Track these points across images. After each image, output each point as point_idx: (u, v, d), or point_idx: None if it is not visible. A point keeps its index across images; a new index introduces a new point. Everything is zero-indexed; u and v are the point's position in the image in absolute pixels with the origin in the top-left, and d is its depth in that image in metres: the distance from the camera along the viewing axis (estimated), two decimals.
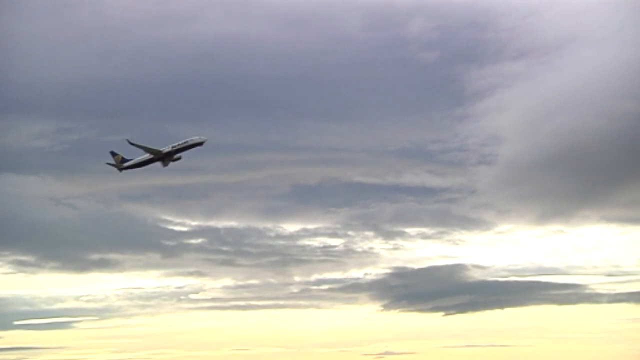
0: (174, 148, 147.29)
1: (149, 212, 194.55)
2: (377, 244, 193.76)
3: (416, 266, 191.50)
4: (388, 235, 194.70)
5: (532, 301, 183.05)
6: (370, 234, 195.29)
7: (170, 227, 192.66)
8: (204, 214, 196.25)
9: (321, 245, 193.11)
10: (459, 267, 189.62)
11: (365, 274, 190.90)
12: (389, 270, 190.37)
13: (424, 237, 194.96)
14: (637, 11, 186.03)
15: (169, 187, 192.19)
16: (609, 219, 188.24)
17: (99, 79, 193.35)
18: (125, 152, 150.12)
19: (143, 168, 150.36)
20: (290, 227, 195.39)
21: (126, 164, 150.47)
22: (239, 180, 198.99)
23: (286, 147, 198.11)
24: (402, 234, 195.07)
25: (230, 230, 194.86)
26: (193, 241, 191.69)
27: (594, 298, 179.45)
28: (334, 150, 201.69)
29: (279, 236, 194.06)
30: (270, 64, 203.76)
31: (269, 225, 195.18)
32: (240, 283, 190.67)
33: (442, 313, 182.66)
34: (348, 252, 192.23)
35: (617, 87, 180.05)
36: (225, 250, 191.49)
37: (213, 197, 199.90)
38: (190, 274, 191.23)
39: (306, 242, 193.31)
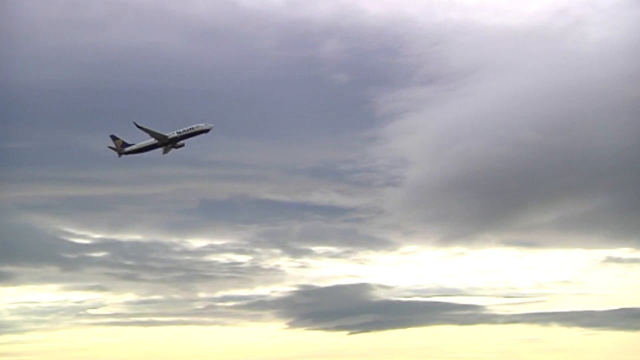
0: (180, 134, 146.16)
1: (49, 224, 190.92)
2: (284, 262, 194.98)
3: (322, 285, 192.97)
4: (295, 253, 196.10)
5: (433, 321, 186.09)
6: (277, 251, 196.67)
7: (72, 239, 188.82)
8: (108, 227, 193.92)
9: (228, 261, 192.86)
10: (364, 287, 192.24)
11: (272, 291, 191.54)
12: (295, 288, 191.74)
13: (331, 255, 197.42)
14: (539, 44, 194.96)
15: (73, 198, 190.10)
16: (508, 243, 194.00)
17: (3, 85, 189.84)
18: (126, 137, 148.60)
19: (144, 155, 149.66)
20: (197, 242, 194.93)
21: (127, 149, 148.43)
22: (146, 193, 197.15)
23: (196, 161, 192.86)
24: (309, 252, 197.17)
25: (134, 244, 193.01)
26: (95, 254, 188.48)
27: (492, 319, 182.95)
28: (245, 167, 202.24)
29: (185, 251, 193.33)
30: (183, 76, 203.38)
31: (175, 240, 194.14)
32: (143, 298, 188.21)
33: (347, 332, 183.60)
34: (255, 269, 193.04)
35: (519, 116, 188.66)
36: (129, 264, 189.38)
37: (118, 210, 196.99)
38: (91, 288, 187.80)
39: (213, 258, 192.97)
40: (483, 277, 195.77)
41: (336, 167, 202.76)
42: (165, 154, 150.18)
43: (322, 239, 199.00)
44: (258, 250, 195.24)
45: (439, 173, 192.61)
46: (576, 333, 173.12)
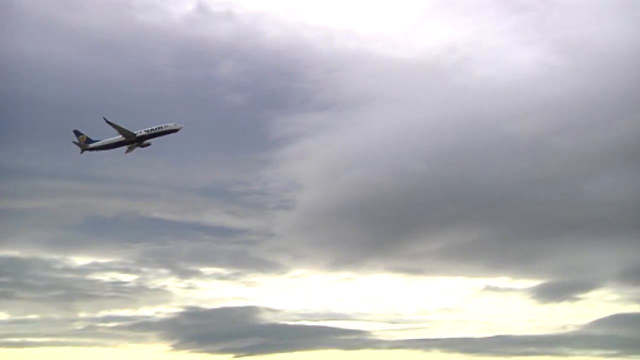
0: (148, 132, 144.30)
1: None
2: (171, 282, 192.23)
3: (209, 306, 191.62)
4: (183, 274, 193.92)
5: (320, 345, 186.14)
6: (164, 271, 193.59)
7: None
8: None
9: (112, 280, 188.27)
10: (251, 309, 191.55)
11: (157, 312, 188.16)
12: (181, 310, 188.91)
13: (220, 277, 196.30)
14: (430, 78, 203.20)
15: None
16: (394, 269, 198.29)
17: None
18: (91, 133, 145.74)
19: (108, 151, 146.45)
20: (80, 260, 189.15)
21: (91, 145, 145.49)
22: (27, 207, 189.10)
23: (83, 176, 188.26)
24: (197, 273, 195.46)
25: (11, 260, 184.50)
26: None
27: (376, 344, 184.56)
28: (135, 184, 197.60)
29: (67, 269, 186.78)
30: (72, 89, 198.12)
31: (56, 256, 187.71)
32: (17, 318, 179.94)
33: (232, 355, 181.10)
34: (140, 289, 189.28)
35: (408, 146, 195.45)
36: (4, 281, 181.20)
37: None
38: None
39: (96, 276, 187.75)
40: (369, 303, 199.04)
41: (229, 188, 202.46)
42: (129, 152, 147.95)
43: (211, 260, 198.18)
44: (144, 269, 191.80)
45: (331, 199, 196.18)
46: (456, 359, 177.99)
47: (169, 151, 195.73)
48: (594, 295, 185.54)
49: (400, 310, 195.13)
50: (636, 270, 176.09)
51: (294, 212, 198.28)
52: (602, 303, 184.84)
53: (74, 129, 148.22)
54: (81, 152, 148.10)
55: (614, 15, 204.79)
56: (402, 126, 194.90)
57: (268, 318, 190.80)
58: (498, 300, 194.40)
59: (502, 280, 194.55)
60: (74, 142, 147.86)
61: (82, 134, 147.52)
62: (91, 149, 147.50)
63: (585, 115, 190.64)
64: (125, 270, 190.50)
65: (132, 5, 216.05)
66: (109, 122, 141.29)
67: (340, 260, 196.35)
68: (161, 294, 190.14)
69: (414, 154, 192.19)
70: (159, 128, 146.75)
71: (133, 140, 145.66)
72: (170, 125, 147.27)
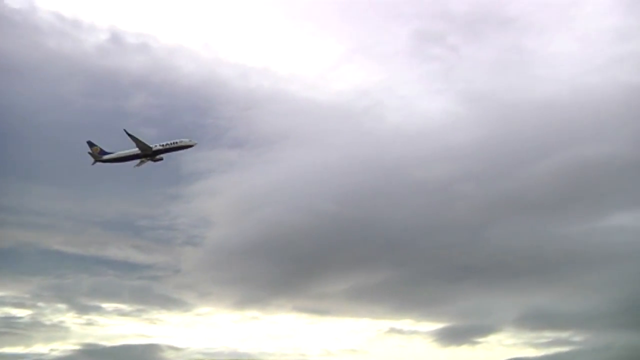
0: (163, 147, 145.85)
1: None
2: (69, 318, 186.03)
3: (109, 344, 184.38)
4: (82, 309, 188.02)
5: None
6: (62, 306, 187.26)
7: None
8: None
9: (4, 315, 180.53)
10: (153, 348, 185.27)
11: (52, 349, 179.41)
12: (78, 347, 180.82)
13: (121, 313, 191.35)
14: (342, 120, 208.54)
15: None
16: (301, 309, 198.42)
17: None
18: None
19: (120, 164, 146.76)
20: None
21: (105, 157, 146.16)
22: None
23: None
24: (97, 309, 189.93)
25: None
26: None
27: None
28: (36, 214, 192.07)
29: None
30: None
31: None
32: None
33: None
34: (35, 324, 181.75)
35: (319, 187, 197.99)
36: None
37: None
38: None
39: None
40: (275, 343, 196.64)
41: (135, 222, 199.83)
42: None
43: (113, 295, 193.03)
44: (40, 304, 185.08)
45: (239, 236, 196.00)
46: None
47: (72, 181, 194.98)
48: (492, 339, 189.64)
49: (305, 350, 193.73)
50: (532, 316, 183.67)
51: (202, 248, 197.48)
52: (500, 347, 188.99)
53: (87, 140, 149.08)
54: (93, 163, 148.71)
55: (516, 71, 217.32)
56: (314, 167, 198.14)
57: (170, 357, 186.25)
58: (402, 342, 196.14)
59: (407, 323, 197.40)
60: (89, 153, 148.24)
61: (96, 146, 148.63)
62: (104, 161, 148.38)
63: (488, 163, 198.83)
64: (20, 305, 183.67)
65: (44, 32, 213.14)
66: (128, 134, 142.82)
67: (247, 299, 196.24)
68: (57, 330, 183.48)
69: (324, 195, 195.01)
70: (174, 143, 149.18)
71: (147, 154, 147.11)
72: (185, 140, 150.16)
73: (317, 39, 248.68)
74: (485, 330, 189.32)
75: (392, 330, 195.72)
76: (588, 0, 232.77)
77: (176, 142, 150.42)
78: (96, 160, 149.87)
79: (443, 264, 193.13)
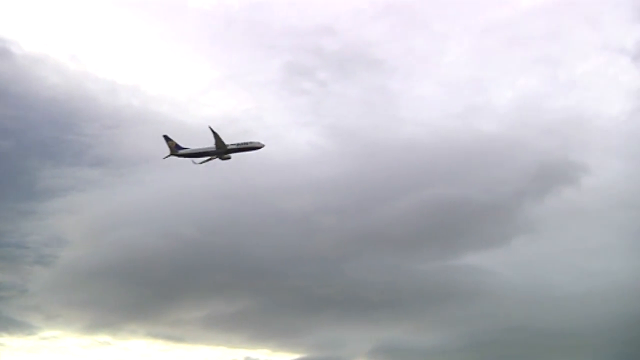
0: (236, 146, 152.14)
1: None
2: None
3: None
4: None
5: None
6: None
7: None
8: None
9: None
10: None
11: None
12: None
13: None
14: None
15: None
16: (155, 335, 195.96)
17: None
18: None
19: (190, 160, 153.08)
20: None
21: (181, 152, 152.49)
22: None
23: None
24: None
25: None
26: None
27: None
28: None
29: None
30: None
31: None
32: None
33: None
34: None
35: (181, 212, 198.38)
36: None
37: None
38: None
39: None
40: None
41: None
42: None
43: None
44: None
45: (95, 257, 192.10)
46: None
47: None
48: None
49: None
50: (385, 348, 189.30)
51: (53, 268, 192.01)
52: None
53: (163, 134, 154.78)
54: (166, 156, 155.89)
55: (381, 111, 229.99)
56: (177, 191, 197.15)
57: None
58: None
59: (263, 353, 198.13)
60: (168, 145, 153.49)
61: (171, 140, 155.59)
62: (179, 155, 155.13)
63: (350, 198, 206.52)
64: None
65: None
66: (212, 130, 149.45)
67: (98, 323, 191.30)
68: None
69: (185, 220, 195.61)
70: (245, 144, 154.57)
71: (220, 152, 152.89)
72: (255, 142, 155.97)
73: (190, 62, 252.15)
74: None
75: (248, 359, 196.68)
76: (450, 51, 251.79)
77: (247, 143, 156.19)
78: (172, 154, 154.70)
79: (301, 295, 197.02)
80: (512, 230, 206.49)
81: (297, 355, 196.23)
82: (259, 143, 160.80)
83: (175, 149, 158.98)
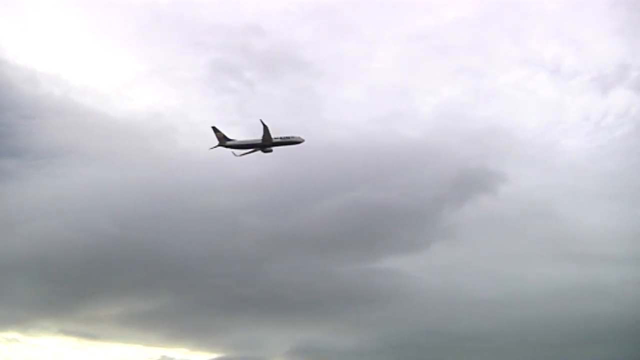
0: (280, 140, 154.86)
1: None
2: None
3: None
4: None
5: None
6: None
7: None
8: None
9: None
10: None
11: None
12: None
13: None
14: (134, 141, 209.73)
15: None
16: (68, 332, 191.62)
17: None
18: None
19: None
20: None
21: (229, 143, 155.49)
22: None
23: None
24: None
25: None
26: None
27: None
28: None
29: None
30: None
31: None
32: None
33: None
34: None
35: (100, 206, 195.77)
36: None
37: None
38: None
39: None
40: None
41: None
42: None
43: None
44: None
45: (5, 250, 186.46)
46: None
47: None
48: None
49: None
50: (303, 349, 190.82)
51: None
52: None
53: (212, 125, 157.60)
54: (215, 147, 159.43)
55: (307, 113, 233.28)
56: (96, 185, 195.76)
57: None
58: None
59: (180, 352, 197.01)
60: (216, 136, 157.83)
61: (220, 131, 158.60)
62: (227, 146, 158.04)
63: (274, 199, 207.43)
64: None
65: None
66: (263, 123, 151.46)
67: (5, 319, 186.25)
68: None
69: (104, 215, 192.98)
70: (287, 138, 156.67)
71: (265, 145, 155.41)
72: (297, 137, 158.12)
73: (116, 54, 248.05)
74: None
75: (164, 358, 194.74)
76: (377, 57, 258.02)
77: (289, 138, 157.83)
78: (220, 144, 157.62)
79: (221, 294, 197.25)
80: (431, 235, 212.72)
81: (215, 355, 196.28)
82: (299, 138, 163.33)
83: (224, 140, 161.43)
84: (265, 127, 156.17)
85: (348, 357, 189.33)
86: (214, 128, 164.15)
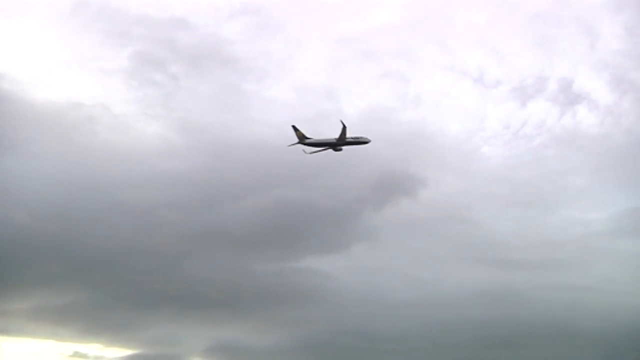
0: (353, 139, 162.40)
1: None
2: None
3: None
4: None
5: None
6: None
7: None
8: None
9: None
10: None
11: None
12: None
13: None
14: (52, 129, 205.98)
15: None
16: None
17: None
18: None
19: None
20: None
21: (307, 141, 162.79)
22: None
23: None
24: None
25: None
26: None
27: None
28: None
29: None
30: None
31: None
32: None
33: None
34: None
35: (12, 195, 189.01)
36: None
37: None
38: None
39: None
40: None
41: None
42: None
43: None
44: None
45: None
46: None
47: None
48: None
49: None
50: (221, 347, 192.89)
51: None
52: None
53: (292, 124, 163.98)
54: (294, 144, 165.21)
55: (233, 110, 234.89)
56: (10, 172, 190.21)
57: None
58: None
59: (94, 347, 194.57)
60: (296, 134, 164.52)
61: (299, 130, 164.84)
62: (306, 144, 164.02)
63: (196, 195, 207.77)
64: None
65: None
66: (342, 123, 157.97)
67: None
68: None
69: (16, 204, 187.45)
70: (357, 138, 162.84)
71: (339, 144, 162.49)
72: (365, 137, 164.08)
73: (36, 40, 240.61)
74: (174, 359, 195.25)
75: (77, 354, 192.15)
76: (305, 57, 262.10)
77: (358, 138, 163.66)
78: (299, 142, 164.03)
79: (138, 290, 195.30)
80: (352, 236, 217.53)
81: (130, 351, 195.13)
82: (367, 138, 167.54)
83: (303, 138, 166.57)
84: (344, 127, 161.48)
85: (266, 356, 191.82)
86: (293, 127, 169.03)
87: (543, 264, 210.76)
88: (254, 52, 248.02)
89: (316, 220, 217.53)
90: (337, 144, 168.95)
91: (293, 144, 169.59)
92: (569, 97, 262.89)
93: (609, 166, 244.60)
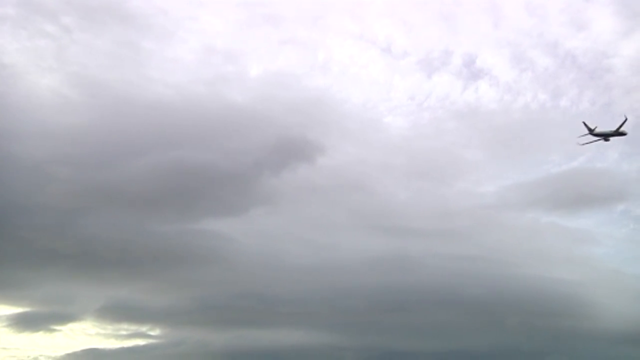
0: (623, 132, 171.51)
1: None
2: None
3: None
4: None
5: None
6: None
7: None
8: None
9: None
10: None
11: None
12: None
13: None
14: None
15: None
16: None
17: None
18: None
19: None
20: None
21: (595, 132, 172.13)
22: None
23: None
24: None
25: None
26: None
27: None
28: None
29: None
30: None
31: None
32: None
33: None
34: None
35: None
36: None
37: None
38: None
39: None
40: None
41: None
42: None
43: None
44: None
45: None
46: None
47: None
48: (73, 327, 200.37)
49: None
50: (115, 307, 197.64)
51: None
52: (81, 336, 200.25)
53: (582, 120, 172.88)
54: (584, 135, 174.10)
55: (130, 67, 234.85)
56: None
57: None
58: None
59: None
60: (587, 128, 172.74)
61: (588, 126, 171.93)
62: (594, 134, 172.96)
63: (90, 150, 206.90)
64: None
65: None
66: (625, 117, 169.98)
67: None
68: None
69: None
70: (624, 132, 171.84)
71: (620, 134, 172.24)
72: (624, 130, 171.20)
73: None
74: (66, 318, 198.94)
75: None
76: (206, 18, 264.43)
77: (625, 133, 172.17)
78: (589, 133, 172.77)
79: (27, 247, 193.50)
80: (251, 200, 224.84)
81: (19, 310, 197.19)
82: (625, 131, 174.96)
83: (591, 130, 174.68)
84: (624, 121, 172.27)
85: (160, 316, 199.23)
86: (584, 123, 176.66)
87: (437, 233, 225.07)
88: (153, 10, 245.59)
89: (215, 182, 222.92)
90: (613, 135, 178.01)
91: (583, 135, 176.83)
92: (472, 72, 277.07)
93: (503, 142, 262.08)
